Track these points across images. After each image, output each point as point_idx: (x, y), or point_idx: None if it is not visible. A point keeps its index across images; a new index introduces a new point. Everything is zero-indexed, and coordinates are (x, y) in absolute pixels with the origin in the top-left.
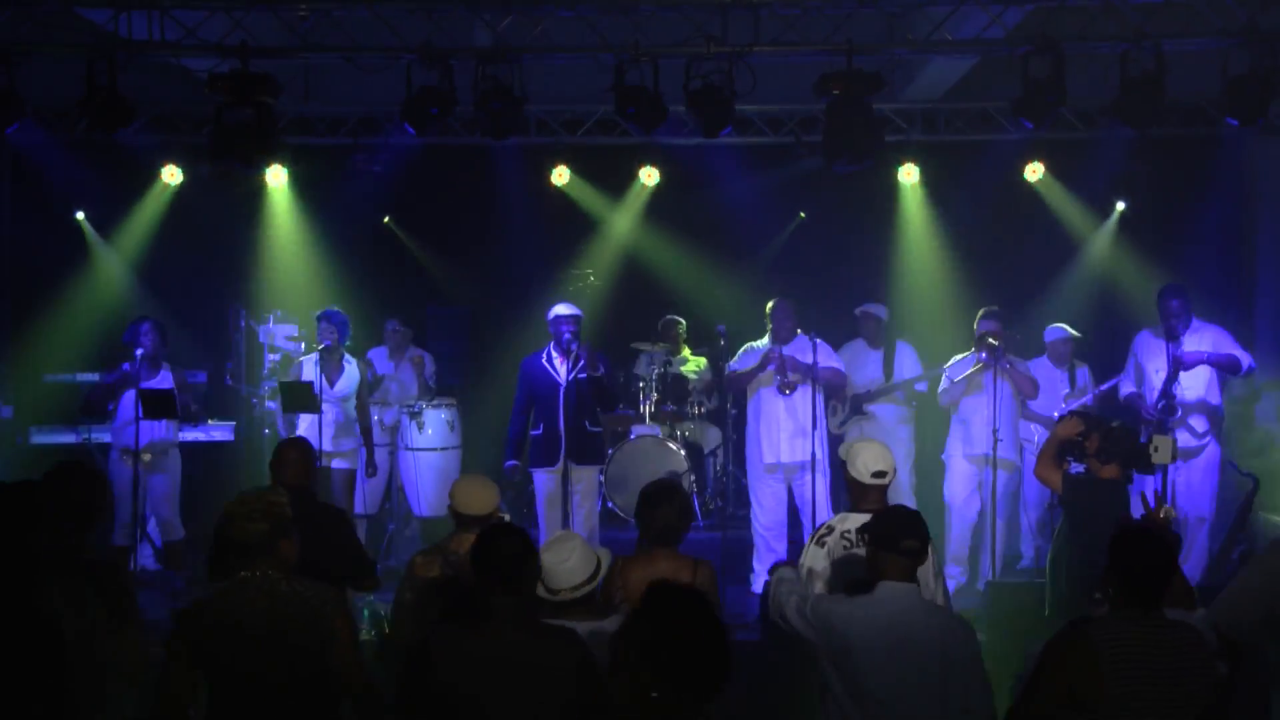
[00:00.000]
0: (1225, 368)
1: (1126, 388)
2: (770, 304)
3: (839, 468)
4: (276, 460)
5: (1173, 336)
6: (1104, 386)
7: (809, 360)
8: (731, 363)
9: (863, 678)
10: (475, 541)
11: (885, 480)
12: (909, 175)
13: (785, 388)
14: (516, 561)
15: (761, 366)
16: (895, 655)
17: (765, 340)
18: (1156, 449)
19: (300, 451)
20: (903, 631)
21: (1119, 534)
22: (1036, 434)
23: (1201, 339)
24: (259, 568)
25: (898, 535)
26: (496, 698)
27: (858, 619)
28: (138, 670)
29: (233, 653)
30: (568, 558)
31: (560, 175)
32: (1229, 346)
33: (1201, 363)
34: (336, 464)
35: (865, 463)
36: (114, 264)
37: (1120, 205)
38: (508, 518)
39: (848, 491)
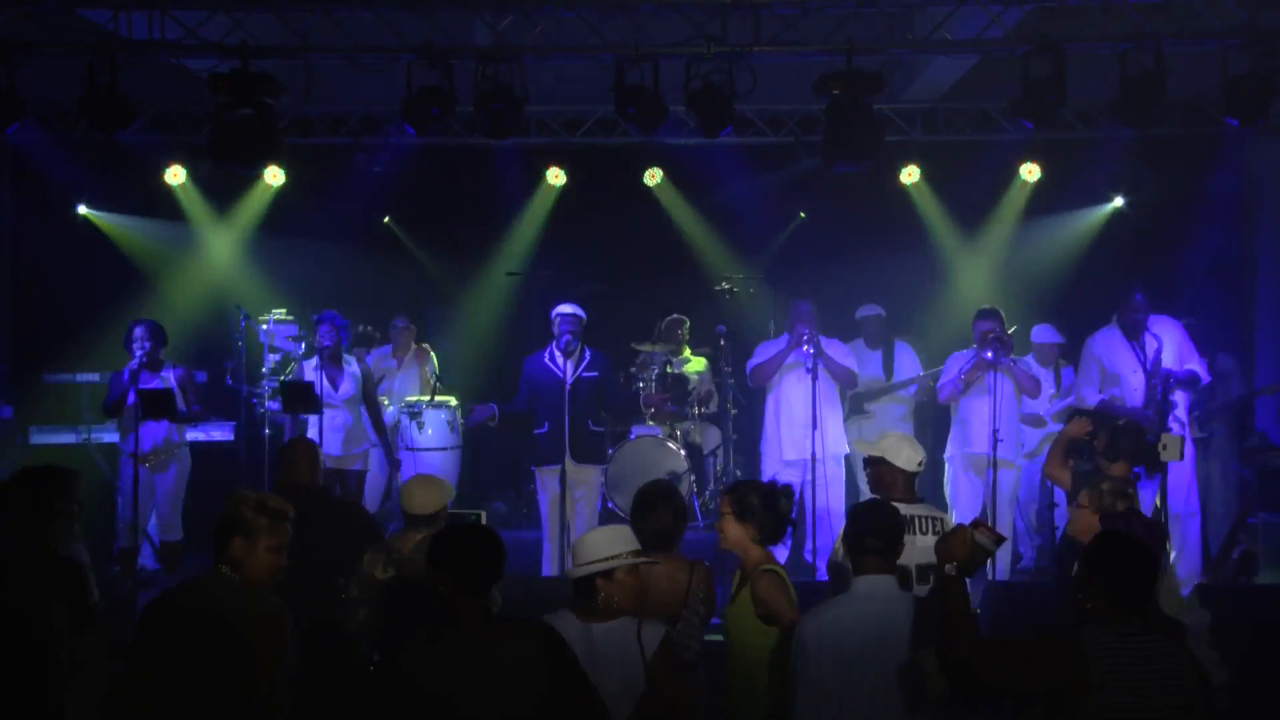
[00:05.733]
0: (1190, 386)
1: (1092, 395)
2: (791, 305)
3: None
4: (284, 461)
5: (1133, 333)
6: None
7: (835, 358)
8: (750, 360)
9: (825, 682)
10: (434, 541)
11: (876, 467)
12: (909, 175)
13: (808, 345)
14: (478, 560)
15: (791, 348)
16: (868, 649)
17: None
18: (1165, 447)
19: (305, 450)
20: (880, 624)
21: (1095, 541)
22: (1022, 433)
23: (1163, 333)
24: (219, 563)
25: (860, 534)
26: (467, 699)
27: (826, 622)
28: (100, 673)
29: (161, 651)
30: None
31: (556, 176)
32: (1187, 347)
33: (1182, 385)
34: (345, 467)
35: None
36: (114, 264)
37: (1118, 200)
38: (483, 516)
39: None
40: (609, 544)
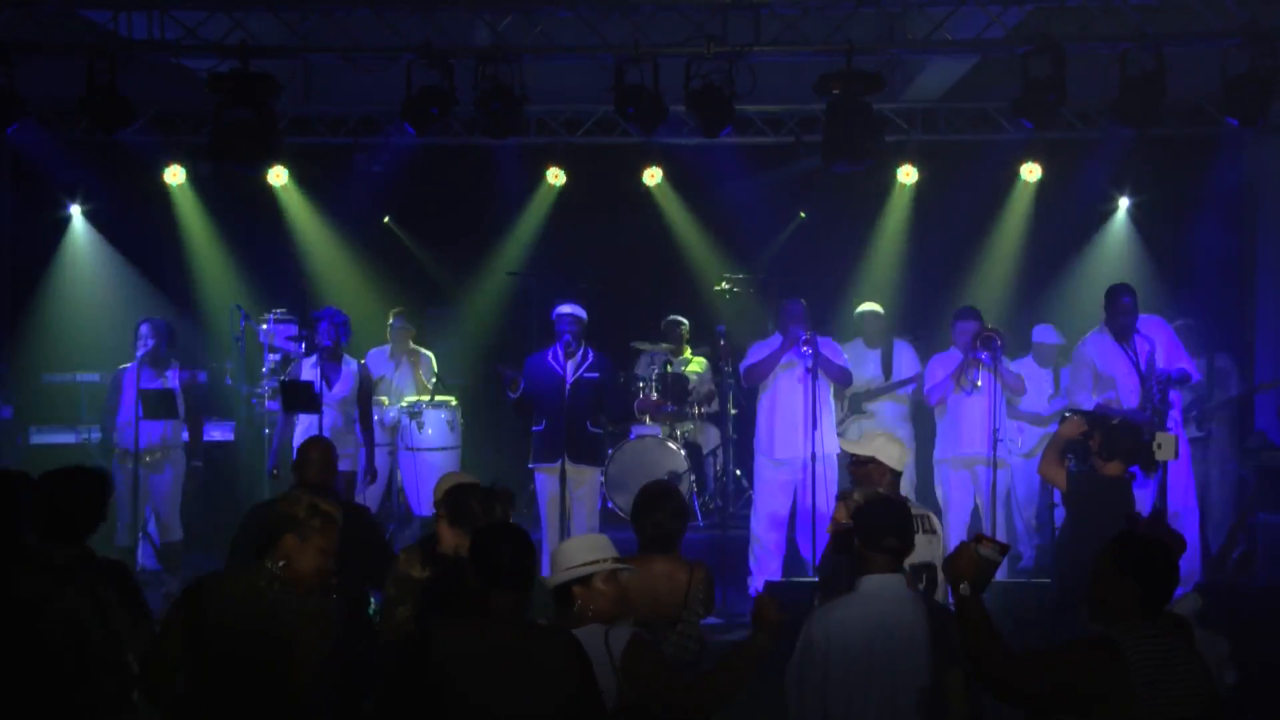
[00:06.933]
0: (1183, 385)
1: (1086, 401)
2: (782, 303)
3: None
4: (300, 460)
5: (1124, 336)
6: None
7: (830, 357)
8: (744, 361)
9: (833, 681)
10: (473, 539)
11: (864, 466)
12: (908, 175)
13: (807, 346)
14: (515, 559)
15: (786, 348)
16: (876, 648)
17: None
18: (1160, 446)
19: (322, 450)
20: (887, 624)
21: (1128, 545)
22: (1021, 433)
23: (1151, 334)
24: (268, 558)
25: (880, 534)
26: (491, 693)
27: (835, 622)
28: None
29: (208, 636)
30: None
31: (555, 176)
32: (1176, 347)
33: (1176, 385)
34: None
35: None
36: (114, 264)
37: (1125, 202)
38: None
39: None
40: (586, 551)
